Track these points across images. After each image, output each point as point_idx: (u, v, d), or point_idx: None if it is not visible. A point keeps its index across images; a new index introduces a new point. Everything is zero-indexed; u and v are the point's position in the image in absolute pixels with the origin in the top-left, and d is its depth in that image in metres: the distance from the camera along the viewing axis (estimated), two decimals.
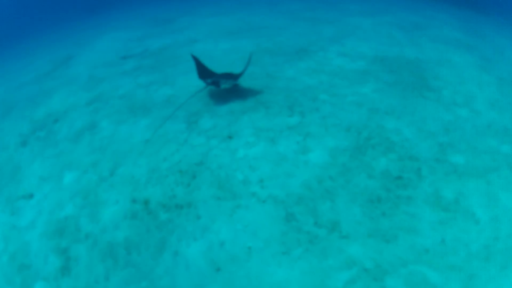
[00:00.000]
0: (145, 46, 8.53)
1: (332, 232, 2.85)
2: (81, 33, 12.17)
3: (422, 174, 3.41)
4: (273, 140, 3.90)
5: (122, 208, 3.38)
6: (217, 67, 5.54)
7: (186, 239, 2.93)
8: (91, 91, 6.17)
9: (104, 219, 3.33)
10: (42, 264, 3.06)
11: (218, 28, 9.37)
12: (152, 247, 2.95)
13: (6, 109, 6.34)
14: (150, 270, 2.80)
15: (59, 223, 3.43)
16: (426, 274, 2.52)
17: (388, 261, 2.63)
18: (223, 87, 4.88)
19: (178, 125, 4.46)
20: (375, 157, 3.58)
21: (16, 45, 13.34)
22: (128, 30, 10.76)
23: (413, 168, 3.46)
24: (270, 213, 3.03)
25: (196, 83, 5.74)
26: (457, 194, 3.16)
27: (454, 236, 2.78)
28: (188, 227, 3.03)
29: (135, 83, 6.12)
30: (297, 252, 2.74)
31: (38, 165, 4.37)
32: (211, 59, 6.38)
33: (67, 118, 5.36)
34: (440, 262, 2.60)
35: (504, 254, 2.64)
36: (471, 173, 3.38)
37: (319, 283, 2.53)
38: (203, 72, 5.13)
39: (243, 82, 5.32)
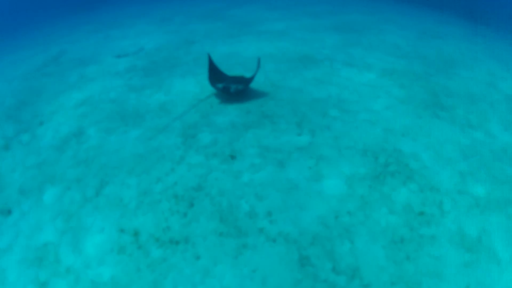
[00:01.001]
0: (140, 45, 8.06)
1: (352, 280, 2.48)
2: (75, 28, 11.69)
3: (444, 208, 3.14)
4: (282, 164, 3.48)
5: (108, 238, 2.93)
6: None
7: (183, 285, 2.48)
8: (81, 92, 5.74)
9: (87, 250, 2.88)
10: None
11: (215, 29, 8.95)
12: None
13: None
14: None
15: (38, 250, 2.99)
16: None
17: None
18: (233, 92, 4.61)
19: (173, 139, 4.01)
20: (395, 187, 3.23)
21: (6, 39, 12.74)
22: (124, 28, 10.29)
23: (435, 202, 3.17)
24: (281, 256, 2.61)
25: (194, 89, 5.33)
26: (480, 231, 2.98)
27: (477, 280, 2.58)
28: (185, 269, 2.57)
29: (127, 86, 5.65)
30: None
31: (19, 175, 3.94)
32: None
33: (53, 121, 4.92)
34: None
35: None
36: (492, 207, 3.18)
37: None
38: (215, 75, 4.81)
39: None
